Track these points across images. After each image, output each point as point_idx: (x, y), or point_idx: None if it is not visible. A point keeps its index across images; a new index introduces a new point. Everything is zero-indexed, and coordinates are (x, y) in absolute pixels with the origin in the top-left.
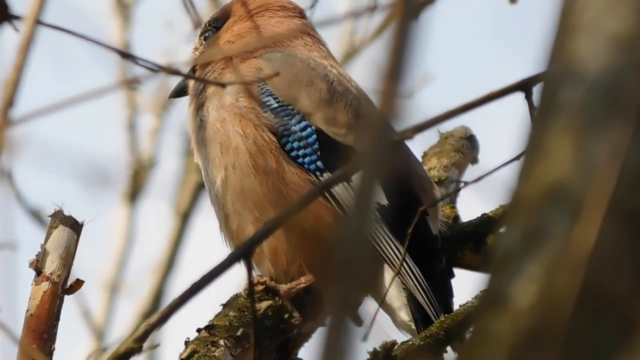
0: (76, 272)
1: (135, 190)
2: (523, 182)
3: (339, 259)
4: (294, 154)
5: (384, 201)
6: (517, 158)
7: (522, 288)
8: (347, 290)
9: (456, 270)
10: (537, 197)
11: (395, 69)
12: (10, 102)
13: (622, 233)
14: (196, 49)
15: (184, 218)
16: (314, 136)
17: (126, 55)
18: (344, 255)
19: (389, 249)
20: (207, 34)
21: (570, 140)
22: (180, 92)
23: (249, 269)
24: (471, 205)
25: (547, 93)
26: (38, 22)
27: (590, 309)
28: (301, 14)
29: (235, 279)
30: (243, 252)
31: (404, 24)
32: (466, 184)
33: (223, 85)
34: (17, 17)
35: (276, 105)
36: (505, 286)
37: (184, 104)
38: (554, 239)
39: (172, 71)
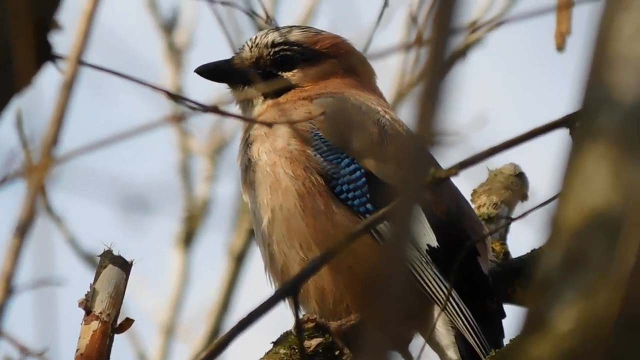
0: (132, 314)
1: (189, 234)
2: (562, 207)
3: (380, 290)
4: (343, 196)
5: (434, 243)
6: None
7: (563, 312)
8: (389, 321)
9: (507, 307)
10: (576, 222)
11: (432, 94)
12: (54, 141)
13: None
14: (254, 48)
15: (239, 260)
16: (364, 179)
17: (172, 95)
18: (384, 286)
19: (438, 289)
20: (284, 52)
21: (608, 166)
22: (211, 72)
23: (296, 306)
24: (521, 241)
25: (585, 120)
26: (80, 62)
27: (630, 331)
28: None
29: (287, 317)
30: (289, 289)
31: (439, 52)
32: (512, 219)
33: (270, 125)
34: (60, 57)
35: (326, 148)
36: (546, 311)
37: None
38: (594, 262)
39: (218, 110)
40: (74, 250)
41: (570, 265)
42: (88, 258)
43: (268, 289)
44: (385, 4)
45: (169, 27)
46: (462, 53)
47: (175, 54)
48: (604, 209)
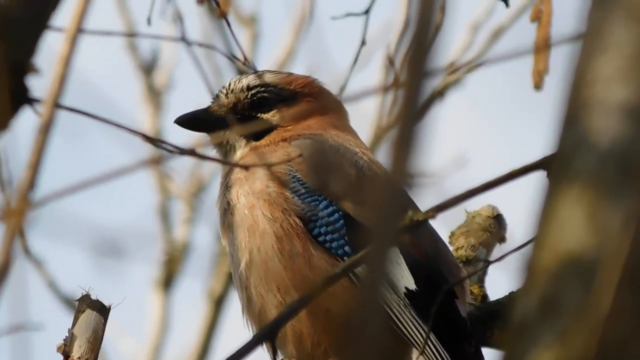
0: (111, 359)
1: (169, 277)
2: (538, 251)
3: (355, 332)
4: (321, 238)
5: (412, 286)
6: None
7: (539, 356)
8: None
9: (485, 350)
10: (551, 266)
11: (407, 137)
12: (31, 184)
13: (637, 300)
14: (230, 94)
15: (218, 304)
16: (342, 221)
17: (149, 138)
18: (359, 328)
19: (416, 332)
20: (261, 94)
21: (583, 210)
22: (190, 122)
23: (274, 350)
24: (500, 283)
25: (561, 163)
26: (57, 105)
27: None
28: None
29: None
30: (267, 333)
31: (414, 95)
32: (490, 262)
33: (246, 168)
34: (37, 100)
35: (304, 191)
36: (522, 355)
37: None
38: (569, 307)
39: (194, 153)
40: (54, 294)
41: (546, 309)
42: (67, 301)
43: (247, 332)
44: (363, 43)
45: (148, 68)
46: (440, 94)
47: (155, 95)
48: (579, 252)
